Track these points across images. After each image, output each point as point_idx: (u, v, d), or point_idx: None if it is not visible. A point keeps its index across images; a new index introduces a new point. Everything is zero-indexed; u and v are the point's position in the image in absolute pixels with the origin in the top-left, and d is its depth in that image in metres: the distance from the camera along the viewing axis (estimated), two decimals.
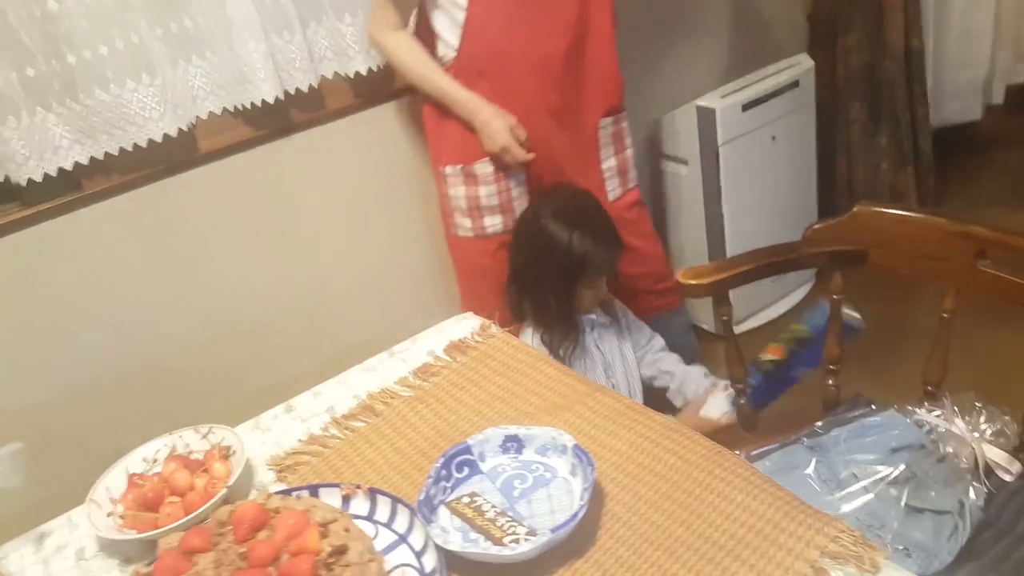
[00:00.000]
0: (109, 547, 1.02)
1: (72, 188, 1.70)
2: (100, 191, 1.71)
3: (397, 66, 1.83)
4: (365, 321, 2.10)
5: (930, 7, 2.65)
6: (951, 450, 1.26)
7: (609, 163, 1.91)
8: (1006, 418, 1.26)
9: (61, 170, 1.63)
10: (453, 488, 0.99)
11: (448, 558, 0.87)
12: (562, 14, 1.71)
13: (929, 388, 1.44)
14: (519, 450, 1.02)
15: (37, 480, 1.72)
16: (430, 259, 2.20)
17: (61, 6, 1.54)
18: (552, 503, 0.95)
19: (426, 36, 1.78)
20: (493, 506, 0.94)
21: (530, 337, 1.69)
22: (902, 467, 1.27)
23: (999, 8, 2.82)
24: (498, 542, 0.88)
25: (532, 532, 0.89)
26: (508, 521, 0.92)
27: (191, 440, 1.11)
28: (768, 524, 0.88)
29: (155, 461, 1.09)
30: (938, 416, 1.31)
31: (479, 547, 0.88)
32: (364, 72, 1.89)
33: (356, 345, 2.00)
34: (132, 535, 0.97)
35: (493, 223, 1.85)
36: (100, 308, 1.76)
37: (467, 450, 1.01)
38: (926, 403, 1.41)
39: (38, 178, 1.61)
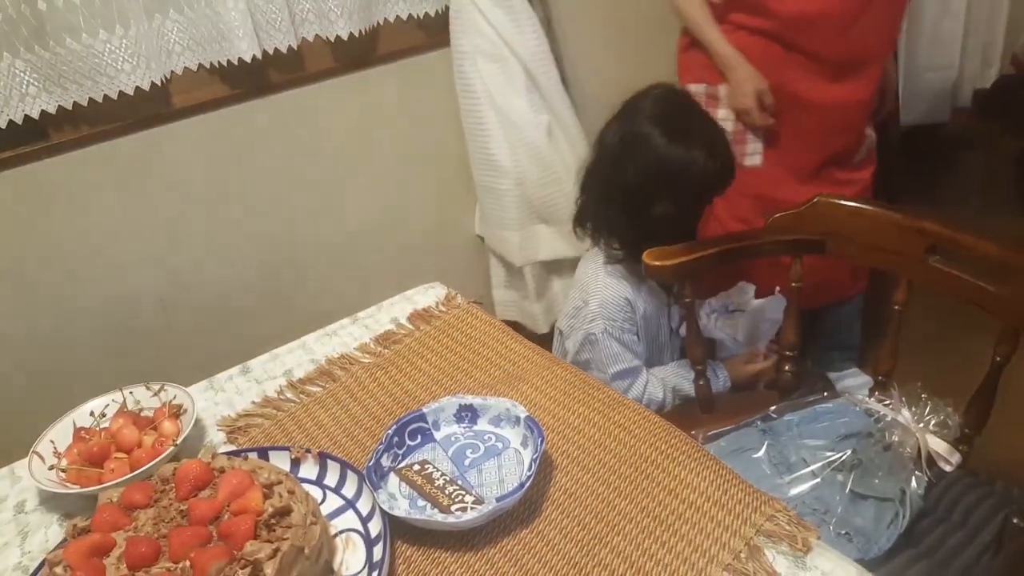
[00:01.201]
0: (50, 501, 1.01)
1: (38, 138, 1.68)
2: (68, 141, 1.70)
3: (677, 3, 1.84)
4: (334, 289, 2.11)
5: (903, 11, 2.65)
6: (896, 439, 1.29)
7: (869, 131, 1.91)
8: (949, 410, 1.29)
9: (27, 118, 1.61)
10: (405, 456, 1.00)
11: (394, 524, 0.87)
12: None
13: (880, 378, 1.46)
14: (473, 420, 1.03)
15: None
16: (406, 228, 2.21)
17: None
18: (501, 473, 0.96)
19: None
20: (443, 474, 0.95)
21: (620, 274, 1.58)
22: (849, 453, 1.30)
23: (969, 15, 2.85)
24: (445, 509, 0.89)
25: (479, 500, 0.90)
26: (456, 489, 0.93)
27: (142, 397, 1.11)
28: (708, 501, 0.90)
29: (103, 416, 1.08)
30: (886, 405, 1.34)
31: (425, 514, 0.89)
32: (345, 36, 1.87)
33: (323, 312, 2.01)
34: (75, 490, 0.96)
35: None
36: (62, 259, 1.74)
37: (421, 418, 1.02)
38: (875, 392, 1.45)
39: (2, 124, 1.59)
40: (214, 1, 1.71)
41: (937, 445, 1.30)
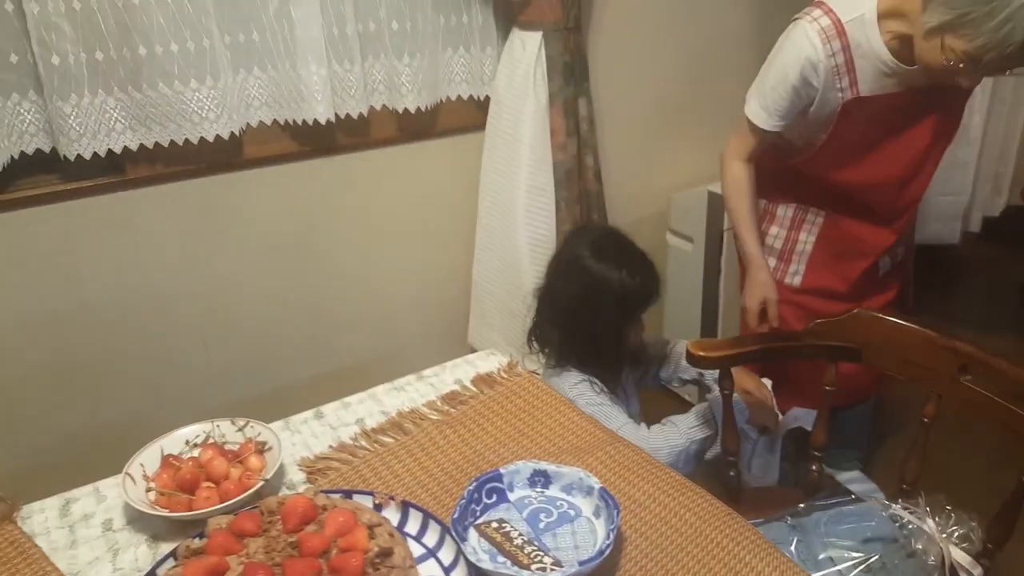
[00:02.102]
0: (137, 522, 1.05)
1: (114, 171, 1.76)
2: (143, 177, 1.77)
3: (723, 188, 1.91)
4: (369, 345, 2.17)
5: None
6: (920, 547, 1.34)
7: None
8: (972, 524, 1.35)
9: (109, 152, 1.69)
10: (481, 513, 1.05)
11: None
12: (914, 146, 1.76)
13: (904, 487, 1.53)
14: (546, 485, 1.09)
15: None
16: (449, 296, 2.29)
17: (142, 0, 1.61)
18: (576, 539, 1.01)
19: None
20: (520, 534, 1.01)
21: (573, 379, 1.66)
22: (876, 556, 1.35)
23: (983, 145, 3.03)
24: (525, 568, 0.94)
25: (557, 563, 0.96)
26: (535, 550, 0.98)
27: (227, 431, 1.16)
28: None
29: (193, 446, 1.13)
30: (912, 513, 1.40)
31: (510, 569, 0.93)
32: (412, 110, 1.97)
33: (356, 366, 2.07)
34: (168, 513, 1.01)
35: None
36: (117, 289, 1.80)
37: (498, 477, 1.07)
38: (900, 500, 1.51)
39: (87, 155, 1.66)
40: (298, 64, 1.81)
41: (960, 557, 1.35)
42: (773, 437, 1.85)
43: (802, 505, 1.48)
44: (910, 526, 1.38)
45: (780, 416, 1.82)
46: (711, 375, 1.80)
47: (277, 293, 2.01)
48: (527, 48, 1.97)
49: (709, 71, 2.51)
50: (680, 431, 1.67)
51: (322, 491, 1.02)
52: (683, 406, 1.82)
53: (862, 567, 1.35)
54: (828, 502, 1.51)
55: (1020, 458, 1.33)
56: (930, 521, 1.37)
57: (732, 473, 1.61)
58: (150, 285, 1.84)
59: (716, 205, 2.34)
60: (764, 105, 1.73)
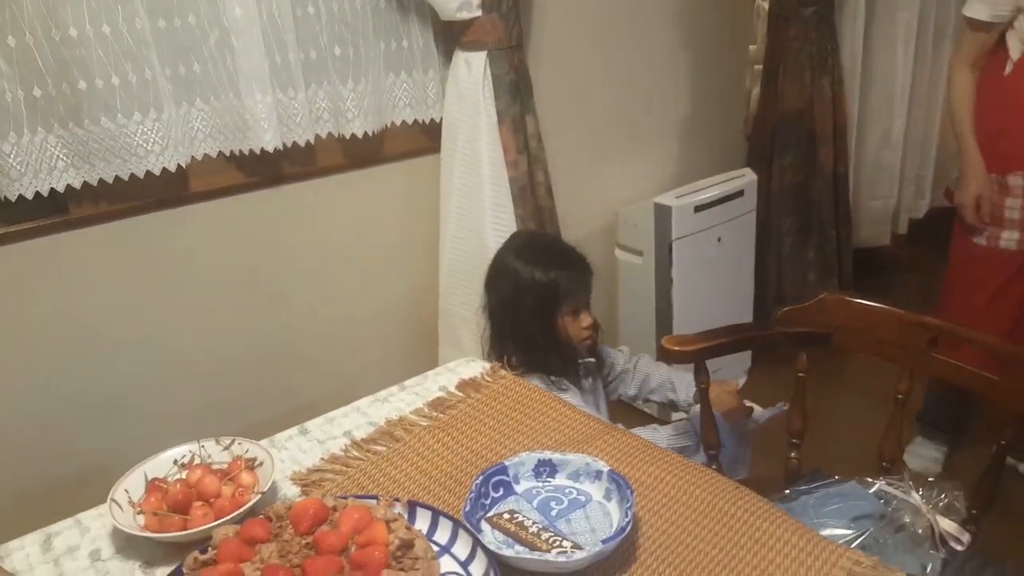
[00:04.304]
0: (128, 549, 0.99)
1: (57, 211, 1.69)
2: (87, 216, 1.71)
3: (948, 96, 2.07)
4: (333, 375, 2.11)
5: (852, 140, 2.96)
6: (908, 520, 1.36)
7: None
8: (956, 493, 1.38)
9: (52, 191, 1.62)
10: (491, 506, 1.02)
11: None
12: None
13: (884, 464, 1.55)
14: (551, 474, 1.06)
15: None
16: (400, 318, 2.25)
17: (80, 33, 1.57)
18: (591, 523, 0.99)
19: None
20: (534, 522, 0.98)
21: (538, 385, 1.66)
22: (867, 532, 1.36)
23: (905, 148, 3.18)
24: (547, 553, 0.92)
25: (577, 546, 0.93)
26: (552, 536, 0.95)
27: (212, 451, 1.10)
28: (793, 549, 0.95)
29: (181, 466, 1.07)
30: (896, 488, 1.42)
31: (532, 555, 0.91)
32: (360, 135, 1.96)
33: (321, 398, 2.01)
34: (169, 534, 0.95)
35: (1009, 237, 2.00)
36: (64, 335, 1.72)
37: (503, 470, 1.05)
38: (883, 476, 1.53)
39: (29, 195, 1.60)
40: (242, 93, 1.78)
41: (948, 526, 1.37)
42: (744, 434, 1.86)
43: (787, 491, 1.49)
44: (895, 501, 1.40)
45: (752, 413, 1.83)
46: (686, 397, 1.81)
47: (232, 330, 1.94)
48: (472, 68, 1.99)
49: (647, 86, 2.57)
50: (661, 437, 1.67)
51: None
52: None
53: (855, 545, 1.36)
54: (812, 485, 1.52)
55: (997, 424, 1.37)
56: (915, 494, 1.39)
57: (714, 467, 1.60)
58: (99, 328, 1.76)
59: (663, 217, 2.38)
60: None
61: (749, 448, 1.88)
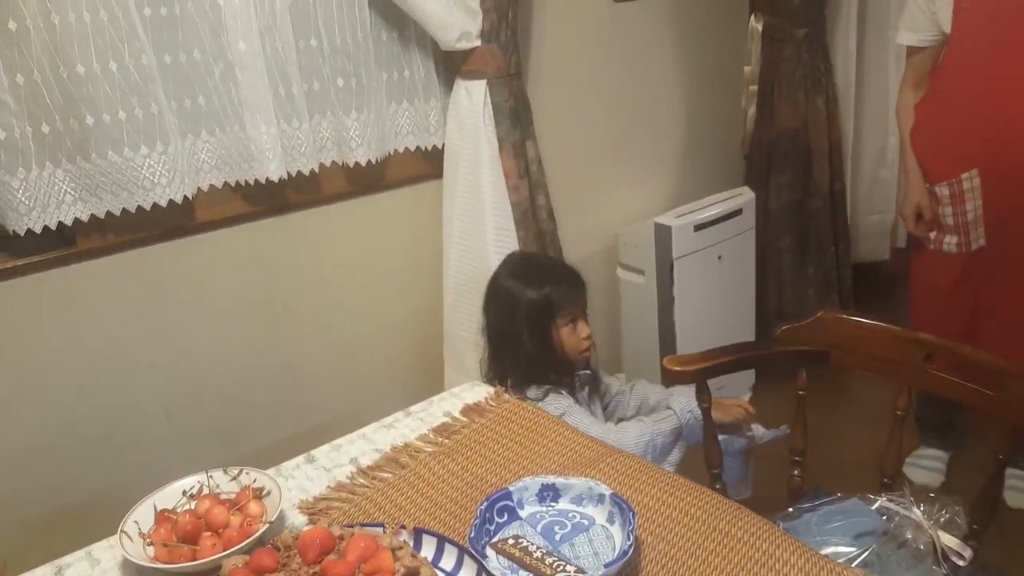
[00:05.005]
0: None
1: (64, 244, 1.71)
2: (95, 248, 1.73)
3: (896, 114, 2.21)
4: (339, 401, 2.13)
5: (848, 157, 2.98)
6: (911, 536, 1.37)
7: None
8: (957, 508, 1.39)
9: (59, 224, 1.65)
10: (495, 532, 1.04)
11: None
12: None
13: (885, 480, 1.56)
14: (555, 499, 1.08)
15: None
16: (405, 342, 2.27)
17: (88, 70, 1.60)
18: (594, 546, 1.01)
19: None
20: (538, 547, 1.00)
21: (535, 395, 1.70)
22: (870, 550, 1.38)
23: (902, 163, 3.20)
24: None
25: (581, 571, 0.95)
26: (555, 560, 0.97)
27: (220, 481, 1.12)
28: (795, 569, 0.97)
29: (190, 497, 1.09)
30: (898, 504, 1.43)
31: None
32: (363, 163, 1.99)
33: (327, 423, 2.03)
34: (179, 565, 0.97)
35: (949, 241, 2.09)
36: (71, 367, 1.75)
37: (507, 496, 1.07)
38: (884, 493, 1.54)
39: (37, 229, 1.62)
40: (247, 124, 1.81)
41: (949, 541, 1.38)
42: (746, 453, 1.87)
43: (790, 509, 1.50)
44: (896, 517, 1.41)
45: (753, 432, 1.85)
46: (685, 405, 1.82)
47: (239, 358, 1.96)
48: (473, 97, 2.02)
49: (644, 109, 2.61)
50: (646, 424, 1.69)
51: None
52: None
53: (858, 562, 1.37)
54: (814, 503, 1.53)
55: (994, 438, 1.38)
56: (916, 510, 1.40)
57: (718, 487, 1.62)
58: (107, 358, 1.78)
59: (664, 237, 2.41)
60: (908, 26, 2.04)
61: (750, 467, 1.89)
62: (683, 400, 1.75)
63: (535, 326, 1.72)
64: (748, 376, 2.78)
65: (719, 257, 2.54)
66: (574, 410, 1.69)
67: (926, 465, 2.40)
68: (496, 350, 1.80)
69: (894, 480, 1.56)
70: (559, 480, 1.08)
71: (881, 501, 1.46)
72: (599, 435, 1.36)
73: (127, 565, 1.01)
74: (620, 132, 2.56)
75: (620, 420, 1.86)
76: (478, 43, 1.97)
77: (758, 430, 1.87)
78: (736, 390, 2.61)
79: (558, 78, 2.34)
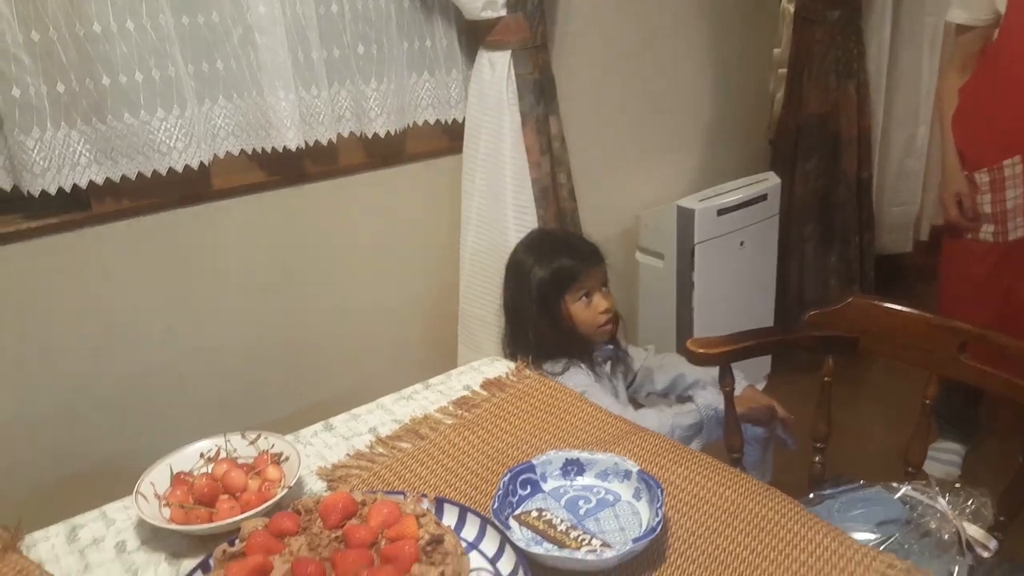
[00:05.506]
0: (153, 541, 0.99)
1: (78, 207, 1.69)
2: (110, 212, 1.70)
3: (936, 98, 2.23)
4: (352, 372, 2.11)
5: (876, 145, 2.93)
6: (934, 526, 1.34)
7: None
8: (984, 499, 1.35)
9: (73, 188, 1.62)
10: (518, 504, 1.01)
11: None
12: None
13: (909, 469, 1.53)
14: (579, 473, 1.05)
15: None
16: (420, 319, 2.24)
17: (104, 29, 1.56)
18: (620, 522, 0.98)
19: None
20: (563, 520, 0.97)
21: (556, 370, 1.69)
22: (895, 537, 1.34)
23: (929, 155, 3.15)
24: (576, 551, 0.90)
25: (607, 545, 0.92)
26: (580, 534, 0.94)
27: (238, 445, 1.10)
28: (826, 551, 0.94)
29: (208, 460, 1.06)
30: (922, 493, 1.40)
31: (561, 552, 0.89)
32: (382, 134, 1.95)
33: (340, 395, 2.01)
34: (198, 526, 0.94)
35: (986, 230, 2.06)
36: (85, 329, 1.72)
37: (531, 468, 1.04)
38: (908, 481, 1.51)
39: (52, 191, 1.59)
40: (265, 91, 1.78)
41: (975, 532, 1.35)
42: (767, 439, 1.84)
43: (811, 495, 1.47)
44: (920, 507, 1.38)
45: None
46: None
47: (252, 326, 1.94)
48: (496, 68, 1.98)
49: (670, 88, 2.56)
50: (666, 415, 1.66)
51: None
52: None
53: (881, 550, 1.33)
54: (836, 490, 1.50)
55: None
56: (941, 500, 1.37)
57: (737, 469, 1.58)
58: (121, 322, 1.75)
59: (686, 220, 2.37)
60: (961, 3, 1.98)
61: (770, 452, 1.86)
62: (708, 396, 1.72)
63: (544, 300, 1.71)
64: (763, 365, 2.74)
65: (741, 243, 2.50)
66: (594, 390, 1.66)
67: (942, 458, 2.37)
68: (513, 327, 1.78)
69: (919, 470, 1.52)
70: (583, 455, 1.05)
71: (905, 489, 1.42)
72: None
73: (142, 526, 0.99)
74: (644, 111, 2.52)
75: (649, 395, 1.83)
76: (503, 12, 1.92)
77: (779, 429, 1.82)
78: (750, 380, 2.57)
79: (584, 53, 2.30)
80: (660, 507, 0.94)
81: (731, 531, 0.97)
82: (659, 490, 0.97)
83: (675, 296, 2.46)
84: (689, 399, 1.84)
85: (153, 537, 0.98)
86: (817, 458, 1.61)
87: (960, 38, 2.05)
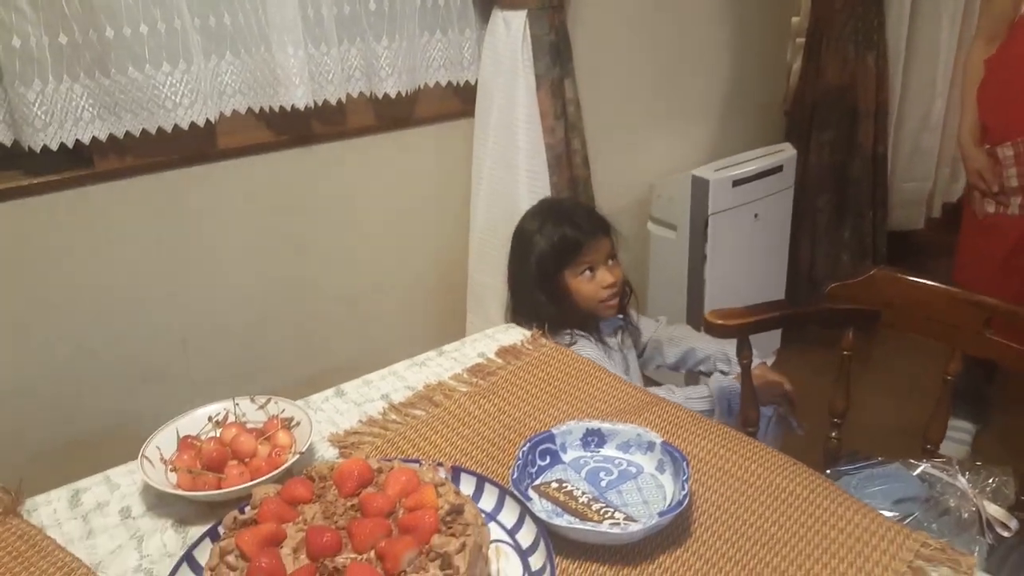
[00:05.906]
0: (159, 507, 0.95)
1: (81, 164, 1.64)
2: (113, 170, 1.66)
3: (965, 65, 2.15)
4: (357, 336, 2.08)
5: (892, 120, 2.87)
6: (954, 504, 1.32)
7: None
8: (1006, 478, 1.33)
9: (77, 143, 1.57)
10: (537, 475, 0.97)
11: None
12: None
13: (928, 447, 1.50)
14: (600, 444, 1.02)
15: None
16: (428, 286, 2.20)
17: None
18: (644, 495, 0.94)
19: None
20: (584, 492, 0.93)
21: (563, 343, 1.63)
22: (914, 515, 1.32)
23: (944, 131, 3.09)
24: (599, 524, 0.87)
25: (631, 519, 0.88)
26: (603, 507, 0.91)
27: (247, 409, 1.06)
28: (856, 528, 0.91)
29: (216, 424, 1.03)
30: (942, 471, 1.37)
31: (584, 525, 0.86)
32: (392, 95, 1.90)
33: (346, 360, 1.97)
34: (206, 492, 0.91)
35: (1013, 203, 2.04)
36: (87, 290, 1.68)
37: (550, 438, 1.00)
38: (927, 459, 1.48)
39: (54, 146, 1.54)
40: (273, 47, 1.72)
41: (994, 511, 1.32)
42: (782, 416, 1.81)
43: (828, 471, 1.44)
44: (939, 484, 1.35)
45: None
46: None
47: (256, 289, 1.90)
48: (511, 28, 1.92)
49: (686, 56, 2.50)
50: (675, 397, 1.62)
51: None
52: None
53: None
54: (854, 466, 1.47)
55: None
56: (961, 478, 1.34)
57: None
58: (123, 285, 1.71)
59: (700, 191, 2.32)
60: None
61: (781, 430, 1.83)
62: (723, 381, 1.69)
63: (543, 272, 1.66)
64: (773, 340, 2.71)
65: (755, 215, 2.46)
66: (603, 364, 1.62)
67: (953, 437, 2.35)
68: (515, 298, 1.74)
69: (937, 447, 1.50)
70: (604, 425, 1.02)
71: (924, 467, 1.40)
72: None
73: (147, 491, 0.96)
74: (660, 78, 2.46)
75: (659, 367, 1.80)
76: None
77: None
78: (760, 354, 2.54)
79: (600, 15, 2.23)
80: (686, 480, 0.90)
81: (758, 506, 0.94)
82: (684, 463, 0.93)
83: (687, 268, 2.42)
84: (700, 375, 1.81)
85: (159, 503, 0.95)
86: (834, 433, 1.58)
87: (989, 8, 2.01)
